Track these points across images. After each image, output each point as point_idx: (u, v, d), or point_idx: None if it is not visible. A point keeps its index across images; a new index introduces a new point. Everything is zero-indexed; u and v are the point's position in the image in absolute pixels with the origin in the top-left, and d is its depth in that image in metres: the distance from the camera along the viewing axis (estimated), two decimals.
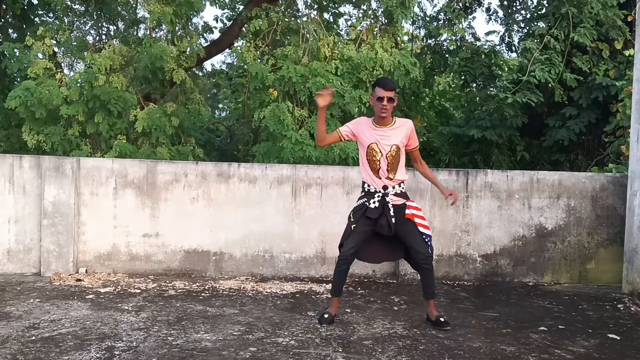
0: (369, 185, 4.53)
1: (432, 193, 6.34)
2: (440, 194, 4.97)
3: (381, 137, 4.44)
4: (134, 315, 4.63)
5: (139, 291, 5.49)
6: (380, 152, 4.43)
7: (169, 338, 4.09)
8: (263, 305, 5.13)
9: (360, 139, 4.53)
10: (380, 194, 4.46)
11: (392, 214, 4.42)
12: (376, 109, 4.45)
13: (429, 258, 4.51)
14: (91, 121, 8.34)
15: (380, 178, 4.46)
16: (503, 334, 4.46)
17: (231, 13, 11.96)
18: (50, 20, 10.89)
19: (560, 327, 4.71)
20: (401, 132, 4.50)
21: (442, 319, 4.56)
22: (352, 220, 4.53)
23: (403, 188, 4.57)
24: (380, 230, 4.45)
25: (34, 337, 4.02)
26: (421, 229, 4.48)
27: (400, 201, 4.49)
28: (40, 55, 8.84)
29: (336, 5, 11.03)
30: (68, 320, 4.47)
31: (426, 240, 4.48)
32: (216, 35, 12.00)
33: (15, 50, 9.02)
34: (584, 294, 6.00)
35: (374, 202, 4.45)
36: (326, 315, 4.60)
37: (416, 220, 4.48)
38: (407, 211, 4.48)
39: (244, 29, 10.70)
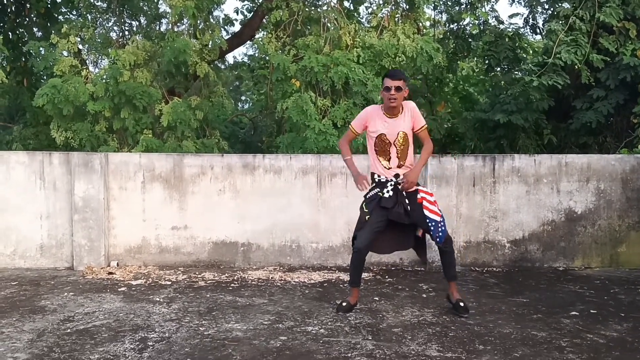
0: (379, 176, 4.54)
1: (457, 180, 6.30)
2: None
3: (390, 127, 4.45)
4: (166, 307, 4.71)
5: (170, 283, 5.57)
6: (389, 141, 4.45)
7: (200, 328, 4.15)
8: (292, 294, 5.17)
9: (369, 129, 4.54)
10: (393, 182, 4.46)
11: (406, 201, 4.42)
12: (385, 100, 4.46)
13: (441, 242, 4.44)
14: (117, 117, 8.44)
15: (390, 167, 4.48)
16: (534, 319, 4.43)
17: (251, 5, 11.95)
18: (74, 18, 11.03)
19: (592, 311, 4.66)
20: (406, 117, 4.48)
21: (461, 304, 4.53)
22: (365, 211, 4.53)
23: None
24: (397, 219, 4.44)
25: (69, 330, 4.11)
26: (428, 214, 4.39)
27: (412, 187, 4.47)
28: (65, 53, 8.96)
29: None
30: (102, 312, 4.55)
31: (430, 225, 4.39)
32: (237, 27, 12.02)
33: (41, 48, 9.15)
34: (615, 277, 5.92)
35: (387, 192, 4.45)
36: (344, 304, 4.61)
37: (424, 203, 4.41)
38: (418, 195, 4.44)
39: (264, 20, 10.70)
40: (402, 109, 4.49)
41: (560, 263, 6.39)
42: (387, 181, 4.48)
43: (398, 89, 4.38)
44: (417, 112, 4.56)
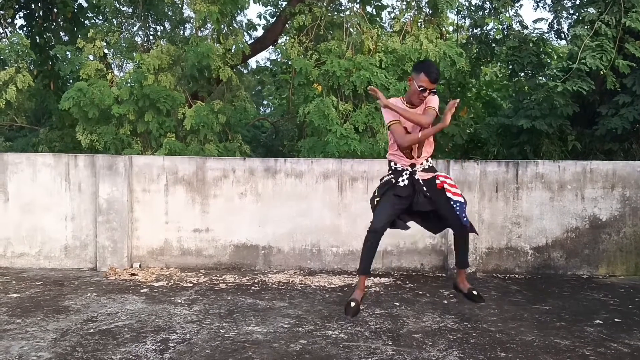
0: (395, 164, 4.38)
1: (480, 185, 6.26)
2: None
3: None
4: (187, 309, 4.74)
5: (191, 285, 5.61)
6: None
7: (221, 330, 4.17)
8: (312, 298, 5.17)
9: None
10: (408, 172, 4.30)
11: (424, 189, 4.25)
12: (414, 96, 4.24)
13: (464, 228, 4.25)
14: (141, 120, 8.53)
15: (411, 157, 4.31)
16: (557, 327, 4.38)
17: (274, 10, 12.01)
18: (99, 22, 11.17)
19: (616, 320, 4.59)
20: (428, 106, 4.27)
21: (474, 292, 4.28)
22: (375, 195, 4.35)
23: (430, 163, 4.40)
24: (421, 208, 4.26)
25: (92, 330, 4.16)
26: (451, 196, 4.23)
27: (428, 175, 4.32)
28: (91, 57, 9.08)
29: None
30: (124, 313, 4.60)
31: (455, 207, 4.22)
32: (260, 32, 12.08)
33: (67, 52, 9.29)
34: None
35: (402, 180, 4.28)
36: (352, 304, 4.04)
37: (445, 187, 4.25)
38: (437, 181, 4.29)
39: (287, 25, 10.74)
40: (424, 99, 4.28)
41: (584, 271, 6.30)
42: (402, 170, 4.33)
43: (433, 92, 4.22)
44: (434, 98, 4.28)
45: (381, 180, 4.46)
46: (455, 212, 4.22)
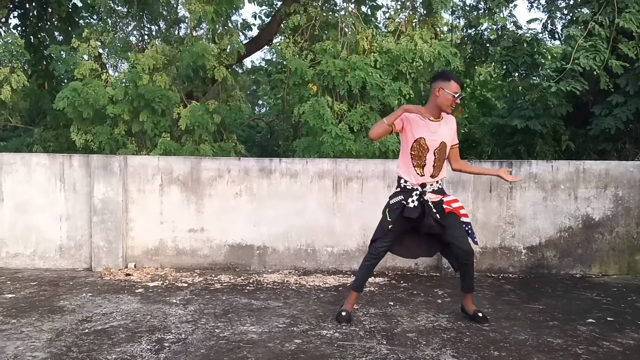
0: (405, 182, 4.31)
1: (474, 185, 6.28)
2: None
3: (431, 132, 4.23)
4: (182, 309, 4.75)
5: (186, 285, 5.62)
6: (428, 147, 4.22)
7: (216, 330, 4.18)
8: (307, 298, 5.19)
9: (408, 131, 4.25)
10: (418, 192, 4.24)
11: (434, 210, 4.21)
12: (444, 103, 4.22)
13: (471, 254, 4.34)
14: (136, 120, 8.53)
15: (423, 175, 4.26)
16: (550, 326, 4.41)
17: (269, 10, 12.02)
18: (94, 22, 11.16)
19: (609, 319, 4.62)
20: (450, 127, 4.34)
21: (480, 314, 4.46)
22: (388, 219, 4.31)
23: (441, 185, 4.40)
24: (429, 231, 4.25)
25: (87, 330, 4.16)
26: (463, 219, 4.36)
27: (437, 198, 4.30)
28: (85, 57, 9.08)
29: None
30: (119, 313, 4.61)
31: (468, 229, 4.35)
32: (255, 32, 12.09)
33: (62, 52, 9.29)
34: (633, 285, 5.87)
35: (412, 201, 4.21)
36: (344, 313, 4.43)
37: (460, 211, 4.33)
38: (445, 206, 4.30)
39: (282, 25, 10.76)
40: (443, 116, 4.33)
41: (577, 270, 6.34)
42: (412, 190, 4.26)
43: (460, 97, 4.25)
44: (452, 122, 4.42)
45: (390, 198, 4.42)
46: (467, 240, 4.33)
